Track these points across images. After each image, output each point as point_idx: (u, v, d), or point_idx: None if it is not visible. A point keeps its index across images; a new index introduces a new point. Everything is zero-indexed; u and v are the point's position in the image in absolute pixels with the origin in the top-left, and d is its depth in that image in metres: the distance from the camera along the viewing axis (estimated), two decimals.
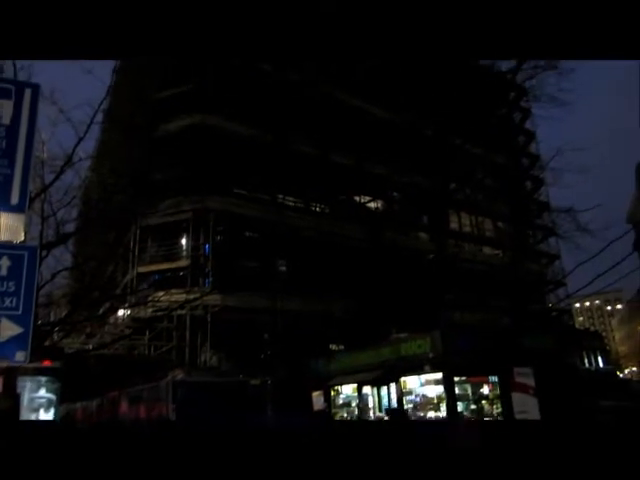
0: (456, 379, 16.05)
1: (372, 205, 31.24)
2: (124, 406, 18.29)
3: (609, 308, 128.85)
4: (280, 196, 27.29)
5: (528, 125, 39.96)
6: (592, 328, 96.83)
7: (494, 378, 16.34)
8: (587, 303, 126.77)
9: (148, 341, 23.36)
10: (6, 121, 3.99)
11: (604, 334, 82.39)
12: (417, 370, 16.57)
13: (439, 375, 16.10)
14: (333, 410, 19.72)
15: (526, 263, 34.14)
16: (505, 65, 26.68)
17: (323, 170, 26.51)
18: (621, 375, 60.57)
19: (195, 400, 14.12)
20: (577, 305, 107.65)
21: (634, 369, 75.82)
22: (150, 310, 21.37)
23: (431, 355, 16.07)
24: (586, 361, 22.96)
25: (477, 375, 16.29)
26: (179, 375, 15.68)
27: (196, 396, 14.33)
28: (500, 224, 37.00)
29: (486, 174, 34.31)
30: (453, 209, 33.65)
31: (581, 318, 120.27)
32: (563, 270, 38.04)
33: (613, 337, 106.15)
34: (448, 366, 15.77)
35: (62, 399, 15.26)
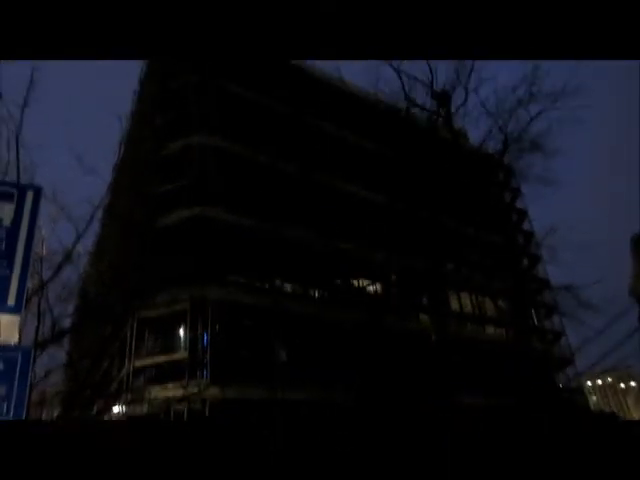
0: None
1: (371, 289, 31.17)
2: None
3: (622, 386, 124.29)
4: (278, 282, 27.27)
5: (519, 204, 41.12)
6: (608, 407, 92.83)
7: None
8: (599, 381, 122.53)
9: None
10: (7, 223, 4.09)
11: (621, 413, 78.82)
12: None
13: None
14: None
15: (530, 341, 33.39)
16: (492, 146, 27.77)
17: (322, 256, 26.76)
18: None
19: None
20: (589, 383, 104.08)
21: None
22: (146, 407, 20.52)
23: None
24: None
25: None
26: None
27: None
28: (501, 303, 36.68)
29: (482, 254, 34.61)
30: (452, 289, 33.55)
31: (595, 398, 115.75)
32: (569, 347, 37.25)
33: (631, 417, 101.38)
34: None
35: None
